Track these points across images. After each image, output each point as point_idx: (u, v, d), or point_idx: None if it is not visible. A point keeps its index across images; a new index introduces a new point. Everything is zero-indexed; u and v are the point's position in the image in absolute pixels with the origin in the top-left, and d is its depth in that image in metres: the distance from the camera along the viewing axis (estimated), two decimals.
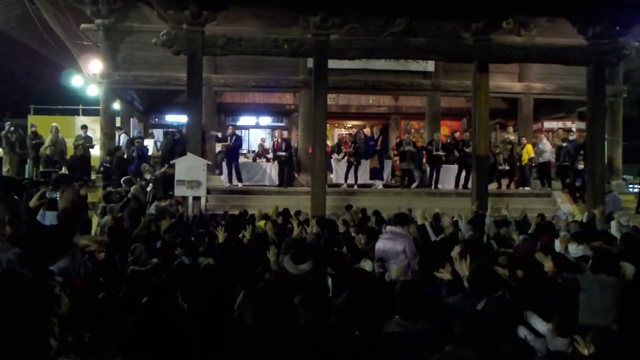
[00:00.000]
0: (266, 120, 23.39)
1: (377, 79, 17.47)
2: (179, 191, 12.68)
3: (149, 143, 18.16)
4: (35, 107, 20.84)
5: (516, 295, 5.22)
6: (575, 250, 7.25)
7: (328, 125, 15.90)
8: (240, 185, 15.64)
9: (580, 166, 15.54)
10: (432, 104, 18.24)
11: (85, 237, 4.21)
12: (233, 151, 15.89)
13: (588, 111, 14.36)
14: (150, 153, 16.94)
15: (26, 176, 15.60)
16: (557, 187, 16.71)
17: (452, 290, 5.27)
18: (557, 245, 7.52)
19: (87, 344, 4.93)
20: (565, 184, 16.55)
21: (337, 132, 22.16)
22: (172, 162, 13.35)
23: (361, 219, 10.78)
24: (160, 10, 13.92)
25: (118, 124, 18.41)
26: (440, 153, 16.25)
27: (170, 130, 18.59)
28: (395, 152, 17.49)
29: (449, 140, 16.97)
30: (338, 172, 16.79)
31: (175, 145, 15.59)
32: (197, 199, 12.88)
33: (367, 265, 6.65)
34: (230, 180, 15.79)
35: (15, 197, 3.47)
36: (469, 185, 14.85)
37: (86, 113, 20.85)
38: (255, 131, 23.51)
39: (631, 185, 19.42)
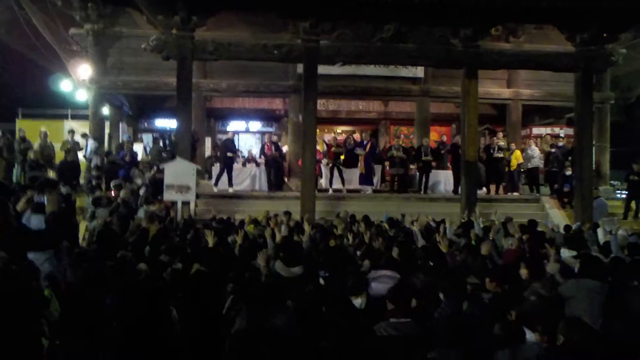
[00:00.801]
0: (256, 125, 23.37)
1: (367, 85, 17.52)
2: (168, 195, 12.61)
3: (138, 148, 18.09)
4: (23, 111, 20.71)
5: (500, 300, 5.27)
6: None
7: (318, 130, 15.93)
8: (230, 190, 15.61)
9: (569, 172, 15.64)
10: (421, 109, 18.31)
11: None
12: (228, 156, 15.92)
13: (576, 117, 14.48)
14: (139, 158, 16.87)
15: (14, 181, 15.47)
16: (545, 193, 16.81)
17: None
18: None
19: (75, 350, 4.91)
20: (553, 190, 16.65)
21: (327, 137, 22.18)
22: (161, 166, 13.30)
23: (350, 225, 10.78)
24: (149, 15, 13.91)
25: (107, 129, 18.34)
26: (429, 158, 16.30)
27: (155, 136, 18.56)
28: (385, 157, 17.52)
29: (437, 146, 17.05)
30: (328, 177, 16.81)
31: (164, 150, 15.56)
32: (186, 203, 12.83)
33: None
34: (216, 184, 15.79)
35: (6, 201, 3.46)
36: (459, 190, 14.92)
37: (75, 118, 20.72)
38: (245, 136, 23.48)
39: (619, 191, 19.58)
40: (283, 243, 7.64)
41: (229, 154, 15.84)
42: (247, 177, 16.79)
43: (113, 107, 19.68)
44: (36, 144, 15.70)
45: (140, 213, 10.76)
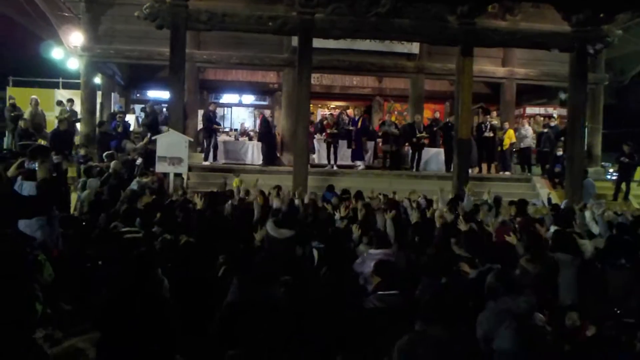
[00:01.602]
0: (249, 98, 23.23)
1: (362, 60, 17.41)
2: (160, 167, 12.59)
3: (130, 118, 17.97)
4: (14, 79, 20.47)
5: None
6: None
7: (312, 105, 15.87)
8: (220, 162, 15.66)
9: (560, 152, 15.71)
10: (415, 86, 18.25)
11: None
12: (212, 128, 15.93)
13: (569, 98, 14.51)
14: (131, 129, 16.79)
15: (4, 148, 15.36)
16: (537, 173, 16.89)
17: None
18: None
19: (66, 316, 4.93)
20: (544, 170, 16.73)
21: (321, 112, 22.09)
22: (153, 137, 13.25)
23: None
24: None
25: (99, 99, 18.19)
26: (423, 135, 16.31)
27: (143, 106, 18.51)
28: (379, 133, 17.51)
29: (430, 123, 17.05)
30: (320, 152, 16.81)
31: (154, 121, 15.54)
32: (178, 175, 12.81)
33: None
34: (206, 158, 15.82)
35: None
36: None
37: (66, 86, 20.52)
38: (238, 109, 23.36)
39: (610, 172, 19.72)
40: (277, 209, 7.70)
41: (213, 126, 15.91)
42: (240, 150, 16.75)
43: (105, 77, 19.51)
44: (27, 112, 15.59)
45: (134, 184, 10.75)
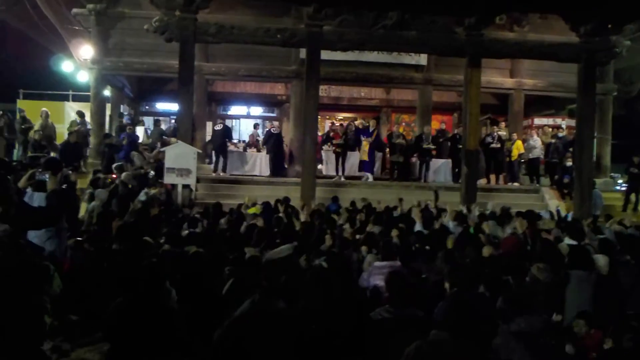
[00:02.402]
0: (257, 110, 23.31)
1: (369, 72, 17.45)
2: (168, 178, 12.64)
3: (139, 130, 18.07)
4: (24, 92, 20.66)
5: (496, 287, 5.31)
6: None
7: (319, 117, 15.89)
8: (221, 174, 15.71)
9: (569, 163, 15.64)
10: (423, 97, 18.25)
11: None
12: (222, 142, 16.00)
13: (578, 108, 14.46)
14: (140, 140, 16.88)
15: (15, 159, 15.48)
16: (545, 184, 16.81)
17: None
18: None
19: (75, 327, 4.95)
20: (553, 181, 16.66)
21: (328, 123, 22.14)
22: (162, 149, 13.32)
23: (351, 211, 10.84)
24: None
25: (109, 110, 18.31)
26: (431, 146, 16.29)
27: (156, 119, 18.62)
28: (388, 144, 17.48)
29: (437, 134, 17.04)
30: (328, 163, 16.81)
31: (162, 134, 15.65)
32: (186, 186, 12.85)
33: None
34: (215, 169, 15.89)
35: (7, 176, 3.47)
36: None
37: (76, 99, 20.69)
38: (246, 121, 23.43)
39: (620, 182, 19.62)
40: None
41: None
42: (248, 162, 16.78)
43: (114, 89, 19.64)
44: (37, 124, 15.71)
45: (142, 196, 10.79)
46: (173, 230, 7.64)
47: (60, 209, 4.66)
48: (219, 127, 16.45)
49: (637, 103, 24.91)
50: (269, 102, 22.15)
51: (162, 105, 22.47)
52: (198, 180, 13.83)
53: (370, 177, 16.18)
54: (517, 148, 16.91)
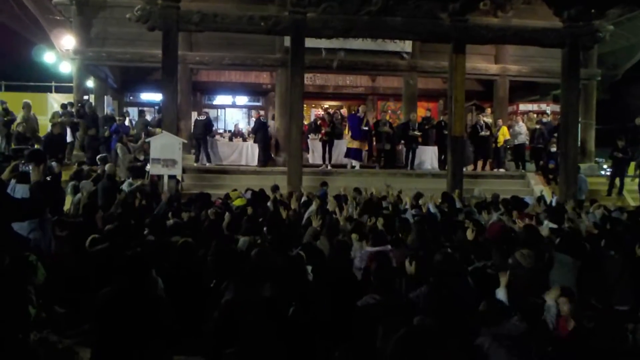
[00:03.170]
0: (243, 99, 23.22)
1: (354, 59, 17.42)
2: (154, 169, 12.56)
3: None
4: (6, 83, 20.43)
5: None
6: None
7: (305, 105, 15.83)
8: (207, 165, 15.64)
9: (554, 148, 15.74)
10: (408, 84, 18.26)
11: None
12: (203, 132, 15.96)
13: (562, 94, 14.52)
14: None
15: None
16: (531, 169, 16.92)
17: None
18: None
19: (62, 319, 4.92)
20: (538, 166, 16.76)
21: (315, 112, 22.09)
22: (147, 140, 13.22)
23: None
24: None
25: (92, 101, 18.13)
26: (417, 133, 16.31)
27: (141, 110, 18.46)
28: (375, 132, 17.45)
29: (422, 121, 17.04)
30: (314, 152, 16.79)
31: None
32: (172, 177, 12.78)
33: None
34: (197, 160, 15.85)
35: None
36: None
37: (59, 90, 20.49)
38: (232, 110, 23.34)
39: (604, 167, 19.78)
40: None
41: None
42: (234, 152, 16.72)
43: (98, 80, 19.44)
44: (19, 116, 15.51)
45: (125, 186, 10.72)
46: (157, 220, 7.61)
47: (43, 200, 4.60)
48: (202, 117, 16.38)
49: (621, 87, 25.11)
50: (254, 91, 22.06)
51: (146, 96, 22.31)
52: (184, 171, 13.75)
53: (358, 165, 16.18)
54: (503, 134, 16.99)
